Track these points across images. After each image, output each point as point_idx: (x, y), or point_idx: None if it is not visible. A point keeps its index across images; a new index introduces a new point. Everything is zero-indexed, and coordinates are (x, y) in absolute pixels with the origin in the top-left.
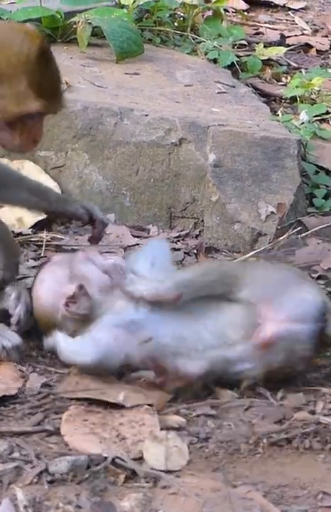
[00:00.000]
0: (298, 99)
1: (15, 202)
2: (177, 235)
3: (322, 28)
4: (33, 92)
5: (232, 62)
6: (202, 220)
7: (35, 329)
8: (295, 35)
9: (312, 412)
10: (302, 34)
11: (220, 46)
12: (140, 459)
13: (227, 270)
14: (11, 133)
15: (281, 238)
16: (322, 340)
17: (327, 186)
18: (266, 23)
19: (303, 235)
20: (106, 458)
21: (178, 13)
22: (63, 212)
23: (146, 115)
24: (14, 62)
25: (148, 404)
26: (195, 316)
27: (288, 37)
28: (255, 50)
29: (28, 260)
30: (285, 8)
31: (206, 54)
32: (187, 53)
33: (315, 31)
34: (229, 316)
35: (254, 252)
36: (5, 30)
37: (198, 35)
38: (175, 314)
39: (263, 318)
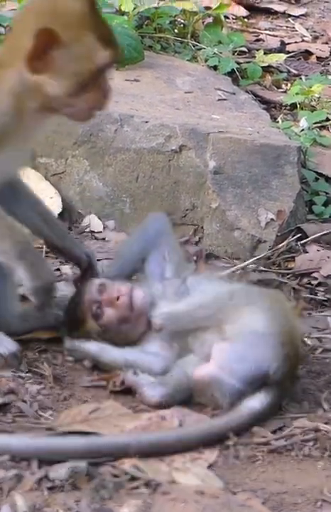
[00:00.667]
0: (298, 105)
1: (23, 221)
2: None
3: (322, 35)
4: (101, 43)
5: (232, 69)
6: (202, 227)
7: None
8: (295, 42)
9: (312, 420)
10: (303, 41)
11: (220, 53)
12: (139, 466)
13: (223, 304)
14: (84, 97)
15: (281, 245)
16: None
17: (326, 193)
18: (266, 29)
19: (303, 241)
20: (105, 464)
21: (178, 19)
22: (68, 251)
23: (146, 122)
24: (75, 21)
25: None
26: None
27: (288, 44)
28: (255, 56)
29: None
30: (285, 14)
31: (206, 61)
32: (188, 60)
33: (315, 38)
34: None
35: (254, 258)
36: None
37: (198, 42)
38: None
39: (212, 357)
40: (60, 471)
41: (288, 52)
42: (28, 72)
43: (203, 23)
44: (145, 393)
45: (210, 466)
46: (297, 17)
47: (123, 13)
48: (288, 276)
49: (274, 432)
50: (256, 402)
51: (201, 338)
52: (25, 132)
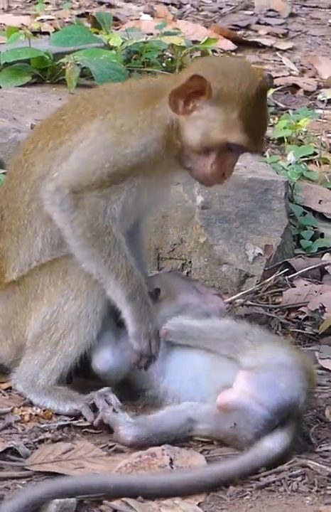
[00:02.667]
0: (286, 140)
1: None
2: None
3: (310, 69)
4: (241, 124)
5: None
6: (190, 262)
7: None
8: (283, 76)
9: (300, 455)
10: (290, 75)
11: None
12: (128, 502)
13: (238, 335)
14: (205, 160)
15: (268, 279)
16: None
17: (314, 228)
18: (253, 63)
19: (290, 276)
20: (94, 501)
21: (166, 54)
22: None
23: None
24: (235, 91)
25: None
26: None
27: (276, 77)
28: None
29: None
30: (272, 48)
31: None
32: None
33: (303, 72)
34: (214, 369)
35: (242, 293)
36: (237, 62)
37: None
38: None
39: (235, 384)
40: (49, 508)
41: (276, 86)
42: (170, 106)
43: (191, 57)
44: (120, 432)
45: (199, 504)
46: (285, 51)
47: (111, 48)
48: (276, 311)
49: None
50: (275, 442)
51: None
52: (163, 170)
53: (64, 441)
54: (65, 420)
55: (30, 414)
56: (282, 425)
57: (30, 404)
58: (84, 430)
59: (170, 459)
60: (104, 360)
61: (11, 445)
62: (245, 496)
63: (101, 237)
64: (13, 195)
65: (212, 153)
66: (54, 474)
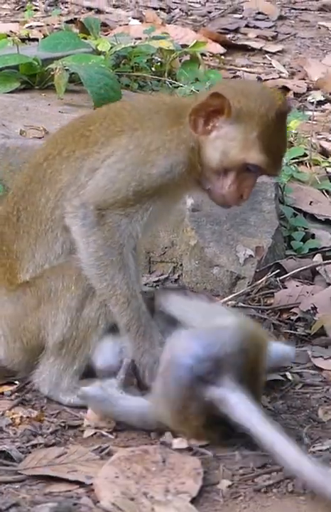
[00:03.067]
0: None
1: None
2: (156, 279)
3: (299, 71)
4: (260, 144)
5: None
6: (181, 264)
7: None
8: (272, 79)
9: None
10: (280, 77)
11: (197, 90)
12: (116, 503)
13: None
14: (224, 181)
15: (260, 281)
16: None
17: (305, 229)
18: (243, 66)
19: (282, 277)
20: (84, 505)
21: (155, 58)
22: None
23: None
24: (254, 111)
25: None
26: None
27: (265, 80)
28: None
29: None
30: (262, 51)
31: None
32: None
33: (292, 74)
34: None
35: (233, 295)
36: (257, 84)
37: (175, 80)
38: None
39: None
40: (42, 511)
41: None
42: (190, 126)
43: (180, 61)
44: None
45: (192, 501)
46: (274, 53)
47: (99, 53)
48: (268, 312)
49: (257, 468)
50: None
51: None
52: (183, 191)
53: (57, 445)
54: (58, 425)
55: (21, 417)
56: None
57: (22, 405)
58: (76, 433)
59: (163, 457)
60: (104, 359)
61: (4, 449)
62: (238, 496)
63: (110, 257)
64: (34, 199)
65: (231, 174)
66: (48, 478)
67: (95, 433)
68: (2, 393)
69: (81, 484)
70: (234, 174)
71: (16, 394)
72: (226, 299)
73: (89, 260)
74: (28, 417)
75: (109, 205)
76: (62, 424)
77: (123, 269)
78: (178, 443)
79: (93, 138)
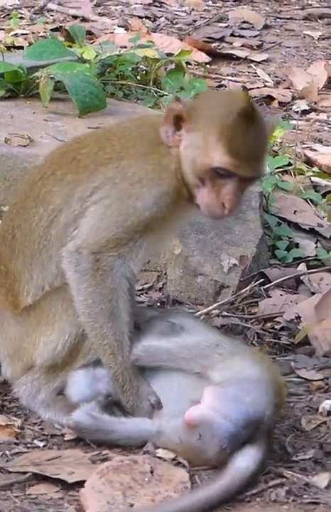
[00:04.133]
0: None
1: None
2: (140, 288)
3: (284, 80)
4: (222, 147)
5: None
6: (165, 273)
7: None
8: (257, 87)
9: (276, 466)
10: (265, 86)
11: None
12: None
13: (207, 351)
14: (203, 191)
15: (244, 290)
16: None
17: (289, 238)
18: (228, 75)
19: (266, 286)
20: None
21: (140, 66)
22: None
23: None
24: (213, 114)
25: None
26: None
27: (250, 89)
28: None
29: None
30: (247, 60)
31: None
32: (150, 107)
33: (277, 83)
34: (183, 386)
35: (217, 304)
36: (223, 91)
37: (160, 89)
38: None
39: (202, 399)
40: None
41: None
42: (163, 138)
43: (165, 69)
44: (73, 413)
45: None
46: (259, 62)
47: (85, 61)
48: (252, 321)
49: None
50: (249, 460)
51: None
52: (176, 215)
53: (54, 448)
54: (41, 434)
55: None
56: (252, 441)
57: (4, 413)
58: (58, 442)
59: (151, 468)
60: (80, 390)
61: None
62: (219, 508)
63: (100, 305)
64: (28, 216)
65: (207, 183)
66: (34, 475)
67: (78, 441)
68: None
69: (67, 487)
70: (209, 182)
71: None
72: (210, 308)
73: (80, 307)
74: (8, 425)
75: (102, 247)
76: (45, 433)
77: (111, 318)
78: (164, 453)
79: (83, 163)
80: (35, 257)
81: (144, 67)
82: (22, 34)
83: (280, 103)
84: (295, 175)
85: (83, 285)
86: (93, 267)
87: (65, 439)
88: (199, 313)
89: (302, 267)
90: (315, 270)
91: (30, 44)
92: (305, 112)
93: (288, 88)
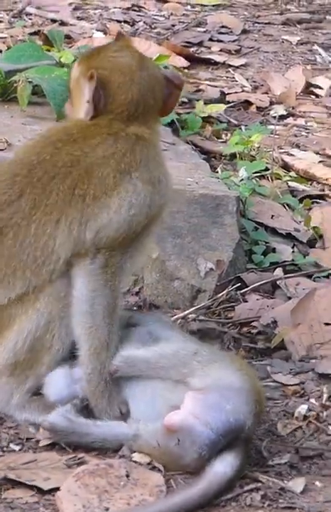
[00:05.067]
0: (238, 155)
1: None
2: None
3: (262, 85)
4: None
5: (172, 120)
6: (142, 277)
7: None
8: (235, 92)
9: (252, 470)
10: (243, 91)
11: None
12: None
13: (186, 359)
14: None
15: (220, 294)
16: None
17: (266, 242)
18: (206, 80)
19: (242, 291)
20: None
21: None
22: None
23: None
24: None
25: None
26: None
27: (228, 94)
28: (195, 107)
29: None
30: (225, 65)
31: None
32: None
33: (255, 88)
34: (160, 390)
35: (194, 308)
36: None
37: None
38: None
39: (182, 405)
40: None
41: (228, 103)
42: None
43: None
44: (48, 415)
45: None
46: (238, 67)
47: (63, 65)
48: (228, 326)
49: None
50: (226, 466)
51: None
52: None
53: (30, 451)
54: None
55: None
56: (230, 448)
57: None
58: (33, 445)
59: (127, 472)
60: (57, 391)
61: None
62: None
63: (106, 299)
64: (17, 229)
65: None
66: (9, 479)
67: (54, 445)
68: None
69: (42, 492)
70: None
71: None
72: (186, 312)
73: (83, 305)
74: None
75: (117, 245)
76: (21, 437)
77: (111, 315)
78: (140, 457)
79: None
80: (3, 272)
81: None
82: (0, 38)
83: (257, 108)
84: (272, 180)
85: (95, 280)
86: (106, 264)
87: (41, 444)
88: (175, 317)
89: (278, 272)
90: (292, 275)
91: (8, 48)
92: (282, 117)
93: (266, 93)
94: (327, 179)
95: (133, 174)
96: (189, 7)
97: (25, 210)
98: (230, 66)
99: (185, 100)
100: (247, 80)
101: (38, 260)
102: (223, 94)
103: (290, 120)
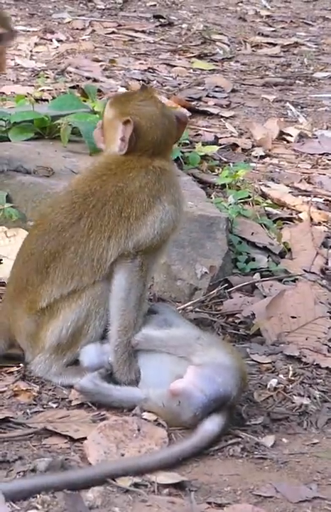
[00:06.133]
0: (227, 186)
1: None
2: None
3: (246, 132)
4: None
5: (178, 157)
6: (153, 277)
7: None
8: (226, 137)
9: (234, 429)
10: (231, 136)
11: None
12: None
13: (191, 341)
14: None
15: (212, 292)
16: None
17: (248, 253)
18: (203, 127)
19: (229, 290)
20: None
21: None
22: None
23: None
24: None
25: None
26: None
27: (220, 138)
28: (195, 147)
29: None
30: (218, 115)
31: None
32: None
33: (241, 134)
34: (168, 363)
35: (191, 302)
36: None
37: None
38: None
39: (185, 375)
40: (39, 465)
41: (220, 145)
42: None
43: None
44: (80, 380)
45: None
46: (227, 118)
47: (96, 112)
48: (217, 316)
49: None
50: (214, 425)
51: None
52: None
53: (64, 409)
54: (54, 397)
55: (22, 390)
56: (218, 411)
57: (24, 381)
58: (66, 404)
59: (138, 426)
60: (90, 359)
61: (10, 415)
62: (189, 459)
63: (139, 292)
64: (68, 242)
65: None
66: (48, 430)
67: (82, 404)
68: (11, 372)
69: (73, 440)
70: None
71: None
72: (186, 304)
73: (120, 293)
74: (27, 390)
75: (147, 251)
76: (57, 397)
77: (140, 303)
78: (149, 416)
79: (133, 216)
80: (64, 276)
81: None
82: (47, 90)
83: (243, 149)
84: (253, 205)
85: (133, 275)
86: (142, 263)
87: (73, 403)
88: (177, 308)
89: (256, 276)
90: (267, 279)
91: (53, 98)
92: (261, 157)
93: (249, 138)
94: (294, 205)
95: (161, 198)
96: (191, 70)
97: (84, 230)
98: (222, 117)
99: (187, 142)
100: (235, 127)
101: (94, 268)
102: (216, 138)
103: (267, 159)
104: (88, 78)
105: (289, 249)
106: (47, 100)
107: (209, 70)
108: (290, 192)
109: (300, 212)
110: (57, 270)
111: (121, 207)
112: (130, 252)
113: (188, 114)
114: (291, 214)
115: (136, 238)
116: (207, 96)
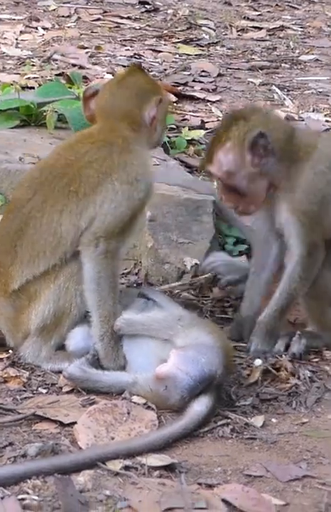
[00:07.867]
0: None
1: None
2: (121, 273)
3: None
4: None
5: (164, 142)
6: (141, 261)
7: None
8: (212, 121)
9: (223, 409)
10: (218, 120)
11: None
12: None
13: (172, 323)
14: None
15: (199, 278)
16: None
17: (235, 236)
18: (190, 111)
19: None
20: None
21: None
22: None
23: None
24: None
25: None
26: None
27: (207, 122)
28: (181, 132)
29: None
30: (204, 100)
31: None
32: None
33: None
34: (153, 348)
35: (177, 283)
36: None
37: None
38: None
39: (169, 359)
40: (30, 450)
41: (207, 129)
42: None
43: None
44: (68, 367)
45: None
46: (214, 102)
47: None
48: (207, 300)
49: None
50: (202, 405)
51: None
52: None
53: (54, 394)
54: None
55: (12, 376)
56: (205, 392)
57: (13, 367)
58: (56, 390)
59: (128, 410)
60: (76, 342)
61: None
62: (179, 441)
63: (110, 278)
64: (35, 222)
65: None
66: (38, 415)
67: (72, 390)
68: (1, 359)
69: (63, 425)
70: None
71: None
72: (173, 284)
73: (92, 282)
74: (17, 376)
75: (113, 235)
76: (47, 382)
77: (113, 290)
78: (138, 399)
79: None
80: (29, 254)
81: None
82: (33, 77)
83: None
84: None
85: (99, 264)
86: (106, 250)
87: (63, 389)
88: (162, 287)
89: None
90: None
91: (39, 85)
92: None
93: None
94: None
95: (112, 176)
96: (177, 55)
97: (39, 205)
98: (208, 101)
99: (174, 127)
100: (221, 111)
101: (53, 243)
102: (203, 122)
103: None
104: (74, 65)
105: None
106: (33, 88)
107: (195, 55)
108: None
109: None
110: (23, 248)
111: (69, 180)
112: (89, 238)
113: (175, 99)
114: None
115: (87, 216)
116: (194, 81)
